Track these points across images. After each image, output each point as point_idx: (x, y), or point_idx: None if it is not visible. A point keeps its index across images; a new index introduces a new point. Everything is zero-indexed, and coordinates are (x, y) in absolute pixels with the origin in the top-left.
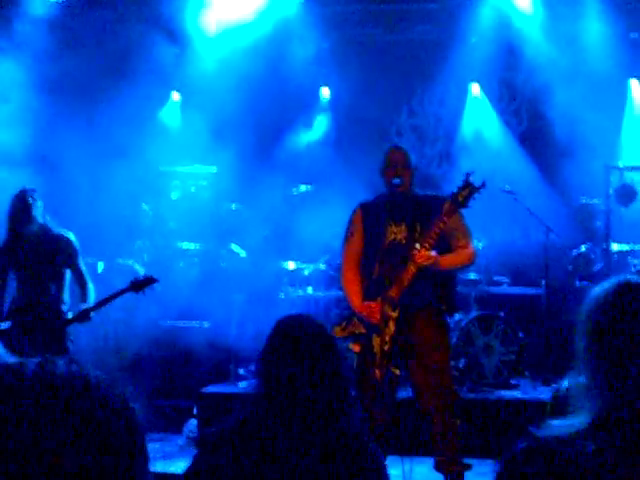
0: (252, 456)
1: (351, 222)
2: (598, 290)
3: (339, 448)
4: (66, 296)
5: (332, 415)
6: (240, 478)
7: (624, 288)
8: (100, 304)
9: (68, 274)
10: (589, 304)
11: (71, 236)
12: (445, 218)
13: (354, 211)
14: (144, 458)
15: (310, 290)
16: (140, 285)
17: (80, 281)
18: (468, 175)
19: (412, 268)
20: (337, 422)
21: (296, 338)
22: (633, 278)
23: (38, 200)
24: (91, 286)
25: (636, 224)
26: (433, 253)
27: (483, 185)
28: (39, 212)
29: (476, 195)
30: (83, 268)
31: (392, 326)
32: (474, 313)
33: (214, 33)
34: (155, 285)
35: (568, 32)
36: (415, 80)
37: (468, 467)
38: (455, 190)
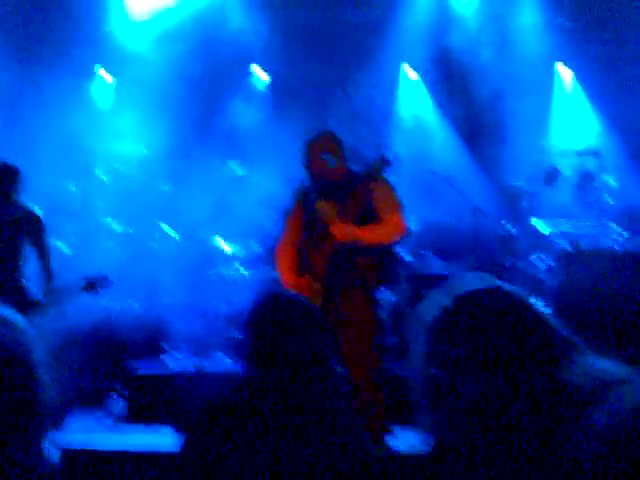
0: (246, 437)
1: (289, 206)
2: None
3: (329, 426)
4: (28, 271)
5: (323, 392)
6: (234, 459)
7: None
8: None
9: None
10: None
11: (39, 212)
12: (359, 190)
13: (292, 194)
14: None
15: (242, 270)
16: (92, 286)
17: (44, 259)
18: (379, 147)
19: (332, 243)
20: (328, 399)
21: (285, 318)
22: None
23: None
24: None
25: (560, 205)
26: (350, 225)
27: (394, 159)
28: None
29: (390, 169)
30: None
31: (318, 302)
32: (405, 292)
33: (144, 14)
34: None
35: (499, 17)
36: (349, 62)
37: (390, 430)
38: (370, 163)
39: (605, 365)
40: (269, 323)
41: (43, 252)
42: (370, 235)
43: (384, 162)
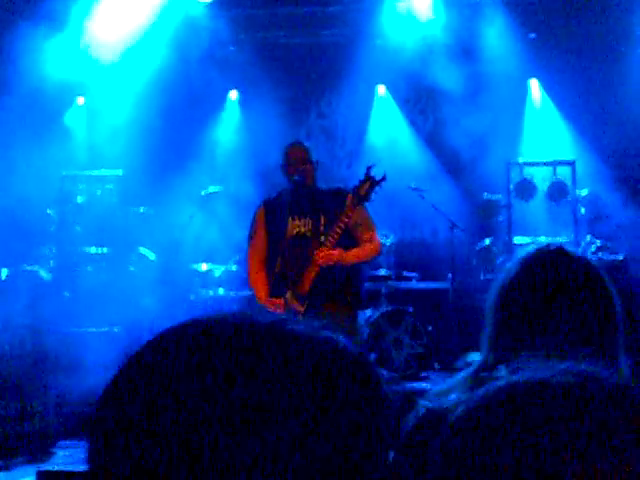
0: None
1: (254, 220)
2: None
3: None
4: None
5: None
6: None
7: (533, 254)
8: None
9: None
10: (505, 269)
11: None
12: (349, 212)
13: (256, 209)
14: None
15: (221, 291)
16: None
17: None
18: (369, 169)
19: (316, 266)
20: None
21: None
22: (545, 244)
23: None
24: None
25: (536, 218)
26: (336, 251)
27: (384, 178)
28: None
29: (377, 189)
30: None
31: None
32: (384, 308)
33: (118, 34)
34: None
35: (469, 34)
36: (323, 82)
37: None
38: (357, 184)
39: None
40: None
41: None
42: (354, 259)
43: (374, 182)
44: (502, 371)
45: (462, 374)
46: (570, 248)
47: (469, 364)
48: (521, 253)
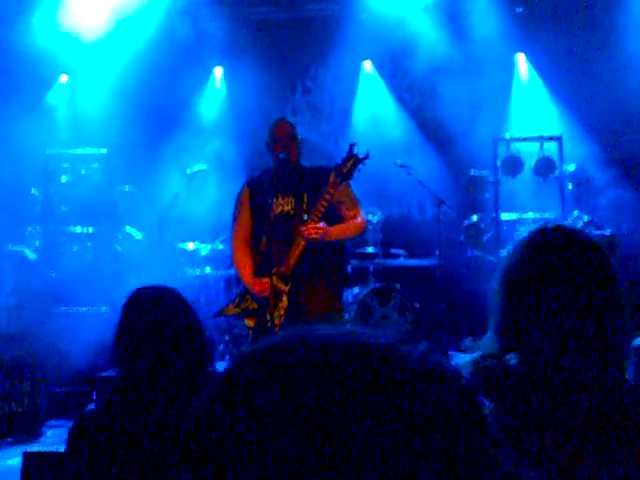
0: (115, 439)
1: (238, 200)
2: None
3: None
4: None
5: (189, 392)
6: (107, 463)
7: (539, 233)
8: None
9: None
10: (508, 253)
11: None
12: (331, 190)
13: (241, 188)
14: None
15: (208, 270)
16: None
17: None
18: (352, 146)
19: (301, 242)
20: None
21: (155, 313)
22: (552, 223)
23: None
24: None
25: (523, 194)
26: (322, 225)
27: (367, 156)
28: None
29: (361, 166)
30: None
31: (285, 300)
32: (371, 286)
33: (101, 11)
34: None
35: (456, 8)
36: (309, 58)
37: None
38: (339, 161)
39: None
40: (133, 318)
41: None
42: (340, 235)
43: (357, 160)
44: (513, 359)
45: (468, 358)
46: (568, 225)
47: (468, 348)
48: (522, 236)
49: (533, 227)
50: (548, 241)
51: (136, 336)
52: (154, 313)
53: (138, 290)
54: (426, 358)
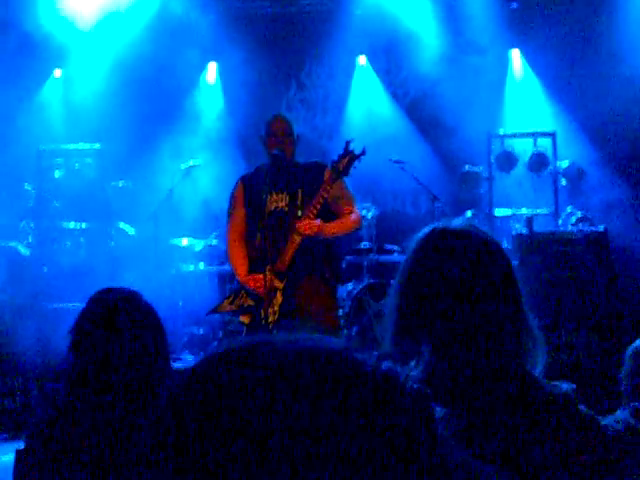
0: (68, 444)
1: (232, 196)
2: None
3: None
4: None
5: (145, 393)
6: (60, 465)
7: (430, 235)
8: None
9: None
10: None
11: None
12: (327, 186)
13: (235, 185)
14: None
15: (202, 265)
16: None
17: None
18: (348, 143)
19: (296, 238)
20: (152, 400)
21: (112, 313)
22: (442, 224)
23: None
24: None
25: (517, 189)
26: (317, 221)
27: (363, 152)
28: None
29: (357, 163)
30: None
31: (279, 297)
32: (366, 282)
33: (94, 5)
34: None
35: (451, 3)
36: (303, 53)
37: None
38: (336, 158)
39: None
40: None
41: None
42: (335, 232)
43: (353, 157)
44: (413, 370)
45: None
46: (456, 224)
47: None
48: (416, 236)
49: (425, 229)
50: (436, 244)
51: (89, 342)
52: (112, 319)
53: (93, 296)
54: (380, 364)
